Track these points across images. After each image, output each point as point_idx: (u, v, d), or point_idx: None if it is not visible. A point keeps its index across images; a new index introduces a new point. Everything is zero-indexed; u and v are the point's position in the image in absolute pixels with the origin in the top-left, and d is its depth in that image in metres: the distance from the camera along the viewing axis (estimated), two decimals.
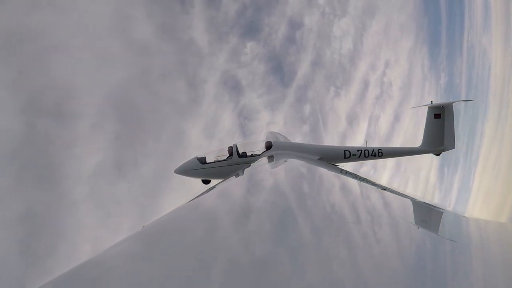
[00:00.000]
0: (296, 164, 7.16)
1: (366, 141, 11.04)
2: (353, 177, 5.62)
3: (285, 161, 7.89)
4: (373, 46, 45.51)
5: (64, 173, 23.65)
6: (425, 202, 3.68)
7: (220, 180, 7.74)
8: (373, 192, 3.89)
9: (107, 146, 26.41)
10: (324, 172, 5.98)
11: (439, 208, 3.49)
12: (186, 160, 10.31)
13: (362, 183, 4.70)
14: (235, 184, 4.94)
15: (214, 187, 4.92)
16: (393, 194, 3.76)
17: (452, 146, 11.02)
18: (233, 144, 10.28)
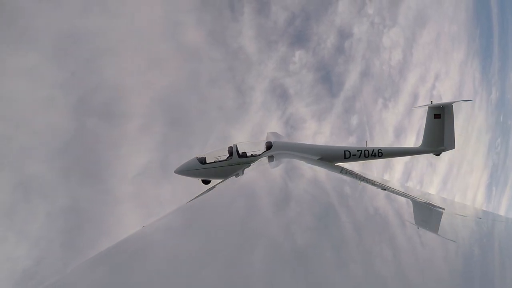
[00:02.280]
0: (296, 164, 7.15)
1: (366, 141, 11.05)
2: (353, 177, 5.61)
3: (285, 161, 7.88)
4: (423, 57, 43.40)
5: (110, 172, 24.42)
6: (425, 202, 3.68)
7: (220, 180, 7.73)
8: (373, 192, 3.89)
9: (154, 148, 27.02)
10: (324, 172, 5.97)
11: (439, 208, 3.49)
12: (186, 160, 10.31)
13: (362, 183, 4.69)
14: (234, 184, 4.94)
15: (214, 187, 4.92)
16: (393, 194, 3.76)
17: (452, 146, 11.03)
18: (233, 144, 10.27)
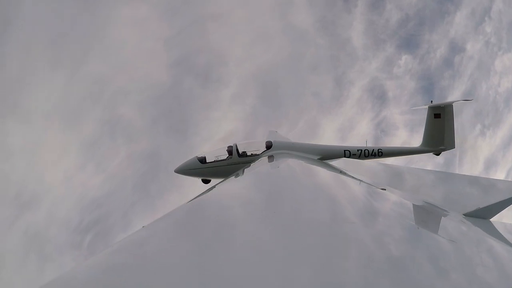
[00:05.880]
0: (296, 164, 7.16)
1: (366, 141, 11.06)
2: (353, 177, 5.61)
3: (285, 160, 7.89)
4: None
5: (196, 130, 25.65)
6: (425, 202, 3.68)
7: (220, 180, 7.74)
8: (373, 192, 3.89)
9: (242, 117, 27.35)
10: (324, 172, 5.98)
11: (439, 208, 3.49)
12: (186, 160, 10.33)
13: (362, 183, 4.69)
14: (234, 184, 4.95)
15: (214, 187, 4.92)
16: (393, 194, 3.76)
17: (452, 146, 11.06)
18: (233, 144, 10.28)
